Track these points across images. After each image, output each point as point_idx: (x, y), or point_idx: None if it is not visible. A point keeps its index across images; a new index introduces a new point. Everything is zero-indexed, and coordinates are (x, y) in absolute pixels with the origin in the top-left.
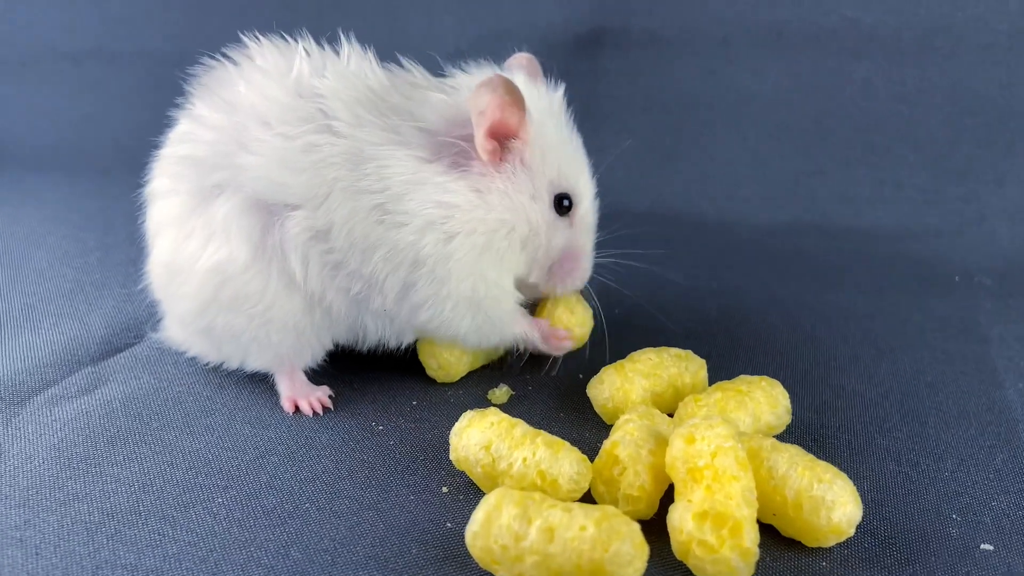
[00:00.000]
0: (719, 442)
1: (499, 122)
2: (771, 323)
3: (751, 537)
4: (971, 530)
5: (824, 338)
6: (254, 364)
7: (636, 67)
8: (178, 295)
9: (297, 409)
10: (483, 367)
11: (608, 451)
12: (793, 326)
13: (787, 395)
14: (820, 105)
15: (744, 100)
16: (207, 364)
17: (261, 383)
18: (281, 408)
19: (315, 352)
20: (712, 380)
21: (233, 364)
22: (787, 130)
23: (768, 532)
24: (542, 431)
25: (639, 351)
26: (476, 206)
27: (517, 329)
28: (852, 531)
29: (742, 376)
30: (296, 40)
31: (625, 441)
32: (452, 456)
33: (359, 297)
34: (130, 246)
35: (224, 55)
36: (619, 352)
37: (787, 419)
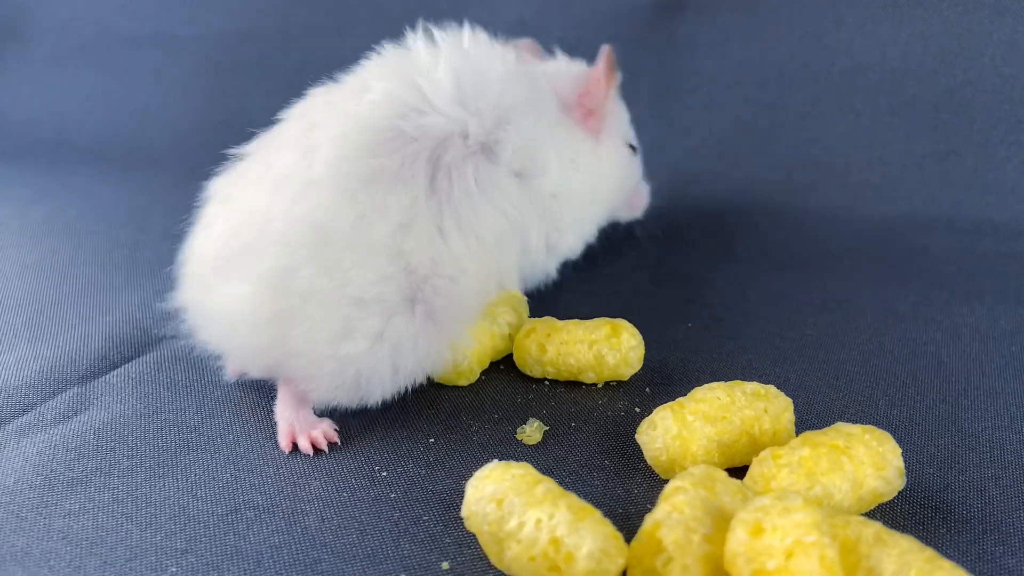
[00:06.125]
0: (798, 535)
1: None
2: (885, 345)
3: None
4: None
5: (953, 365)
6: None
7: (725, 33)
8: (324, 271)
9: (296, 447)
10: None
11: (649, 532)
12: (913, 349)
13: (899, 452)
14: (952, 73)
15: (857, 70)
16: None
17: (260, 408)
18: (275, 442)
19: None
20: (802, 423)
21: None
22: (911, 104)
23: None
24: (572, 494)
25: (705, 387)
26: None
27: None
28: None
29: (839, 424)
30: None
31: (671, 520)
32: (463, 511)
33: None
34: (163, 242)
35: None
36: (687, 379)
37: (899, 484)
